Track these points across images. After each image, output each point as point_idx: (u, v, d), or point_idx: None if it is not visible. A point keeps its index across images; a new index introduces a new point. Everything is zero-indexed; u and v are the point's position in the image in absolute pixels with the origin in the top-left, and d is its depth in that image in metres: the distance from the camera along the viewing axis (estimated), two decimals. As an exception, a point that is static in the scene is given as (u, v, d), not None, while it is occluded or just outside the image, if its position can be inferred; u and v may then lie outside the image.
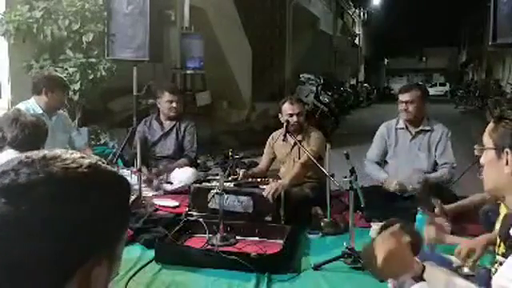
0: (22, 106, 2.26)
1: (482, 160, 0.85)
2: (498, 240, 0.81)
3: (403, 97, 2.26)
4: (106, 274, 0.40)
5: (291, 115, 2.26)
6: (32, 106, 2.27)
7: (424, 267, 0.73)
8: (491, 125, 0.84)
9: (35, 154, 0.40)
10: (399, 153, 2.31)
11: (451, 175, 2.18)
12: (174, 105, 2.71)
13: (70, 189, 0.37)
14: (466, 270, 1.21)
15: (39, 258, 0.35)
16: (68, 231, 0.36)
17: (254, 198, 1.98)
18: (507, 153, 0.79)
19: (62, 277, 0.36)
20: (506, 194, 0.81)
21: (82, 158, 0.41)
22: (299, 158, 2.27)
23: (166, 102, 2.72)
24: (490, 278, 0.85)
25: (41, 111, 2.24)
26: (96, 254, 0.38)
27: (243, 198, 1.98)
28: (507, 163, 0.79)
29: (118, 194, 0.42)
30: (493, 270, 0.79)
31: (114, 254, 0.41)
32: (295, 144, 2.26)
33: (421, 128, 2.28)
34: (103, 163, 0.42)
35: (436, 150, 2.23)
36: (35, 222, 0.36)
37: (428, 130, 2.27)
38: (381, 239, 0.75)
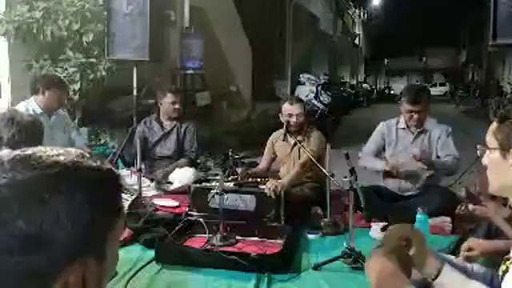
0: (22, 105, 2.27)
1: (484, 161, 0.84)
2: None
3: (413, 107, 2.18)
4: (96, 274, 0.38)
5: (291, 115, 2.26)
6: (32, 105, 2.28)
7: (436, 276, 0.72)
8: (495, 125, 0.82)
9: (6, 155, 0.38)
10: (399, 152, 2.29)
11: (455, 166, 2.15)
12: (176, 106, 2.73)
13: (34, 192, 0.35)
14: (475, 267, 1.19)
15: (10, 266, 0.34)
16: (36, 236, 0.34)
17: (257, 195, 1.97)
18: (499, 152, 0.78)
19: (40, 283, 0.35)
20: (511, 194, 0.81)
21: (59, 155, 0.38)
22: (299, 158, 2.26)
23: (169, 103, 2.73)
24: (492, 277, 0.85)
25: (40, 111, 2.25)
26: (78, 256, 0.36)
27: (246, 196, 1.98)
28: None
29: (100, 193, 0.39)
30: (503, 267, 0.78)
31: (103, 253, 0.39)
32: (295, 144, 2.26)
33: (422, 128, 2.26)
34: (87, 158, 0.39)
35: (437, 146, 2.21)
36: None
37: (428, 130, 2.26)
38: (372, 262, 0.76)
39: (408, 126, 2.30)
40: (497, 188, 0.83)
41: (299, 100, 2.42)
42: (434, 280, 0.73)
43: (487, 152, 0.83)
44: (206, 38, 4.64)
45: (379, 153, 2.36)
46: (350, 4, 17.51)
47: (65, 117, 2.55)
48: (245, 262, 1.56)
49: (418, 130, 2.27)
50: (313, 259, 1.69)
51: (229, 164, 2.44)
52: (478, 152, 0.86)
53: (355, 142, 4.17)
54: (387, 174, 2.25)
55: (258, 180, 2.16)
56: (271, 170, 2.48)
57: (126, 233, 1.91)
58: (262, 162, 2.51)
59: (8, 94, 3.12)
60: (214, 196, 1.98)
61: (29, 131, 1.36)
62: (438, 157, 2.20)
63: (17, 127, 1.34)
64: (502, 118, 0.80)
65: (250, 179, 2.18)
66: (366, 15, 21.18)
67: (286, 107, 2.29)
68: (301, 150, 2.22)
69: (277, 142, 2.44)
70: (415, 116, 2.20)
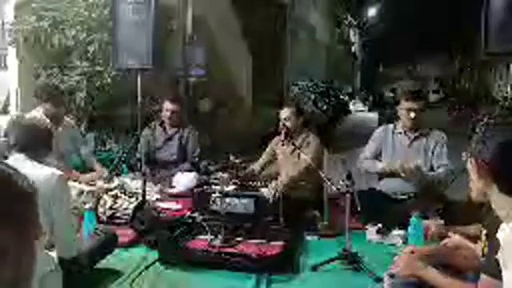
0: (33, 114, 2.38)
1: (467, 166, 0.94)
2: None
3: (412, 105, 2.23)
4: None
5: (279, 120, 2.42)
6: (41, 115, 2.38)
7: None
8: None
9: None
10: (397, 157, 2.32)
11: (446, 176, 2.21)
12: (170, 113, 2.84)
13: None
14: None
15: None
16: None
17: (257, 199, 2.03)
18: (471, 161, 0.89)
19: None
20: (489, 196, 0.89)
21: None
22: (298, 163, 2.33)
23: (165, 110, 2.85)
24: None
25: (47, 120, 2.34)
26: None
27: (246, 200, 2.03)
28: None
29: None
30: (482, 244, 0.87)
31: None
32: (294, 149, 2.34)
33: (419, 133, 2.31)
34: None
35: (433, 154, 2.25)
36: None
37: (425, 135, 2.30)
38: None
39: (405, 131, 2.33)
40: (476, 193, 0.92)
41: (290, 105, 2.49)
42: None
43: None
44: (208, 47, 4.75)
45: (376, 157, 2.39)
46: (347, 13, 17.83)
47: (72, 130, 2.63)
48: (245, 262, 1.62)
49: (415, 134, 2.31)
50: (311, 260, 1.75)
51: (229, 168, 2.51)
52: (463, 158, 0.94)
53: (352, 148, 4.25)
54: (385, 174, 2.30)
55: (259, 183, 2.23)
56: (269, 175, 2.55)
57: (131, 235, 1.97)
58: (257, 163, 2.57)
59: (18, 102, 3.18)
60: (215, 199, 2.05)
61: (34, 133, 1.35)
62: (431, 167, 2.24)
63: (20, 131, 1.34)
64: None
65: (251, 182, 2.26)
66: (362, 24, 21.56)
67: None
68: (299, 155, 2.29)
69: (278, 146, 2.53)
70: (413, 114, 2.22)
